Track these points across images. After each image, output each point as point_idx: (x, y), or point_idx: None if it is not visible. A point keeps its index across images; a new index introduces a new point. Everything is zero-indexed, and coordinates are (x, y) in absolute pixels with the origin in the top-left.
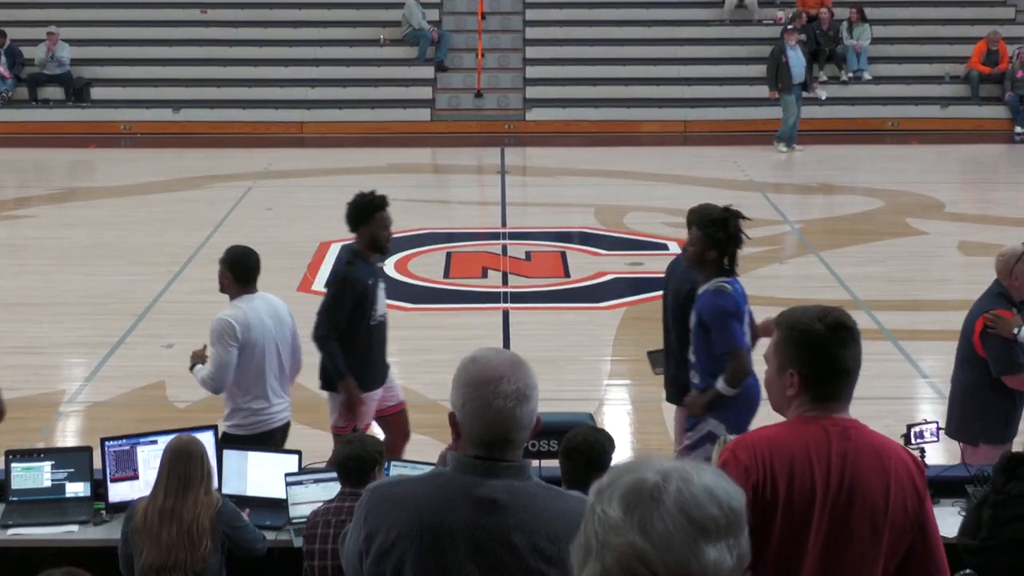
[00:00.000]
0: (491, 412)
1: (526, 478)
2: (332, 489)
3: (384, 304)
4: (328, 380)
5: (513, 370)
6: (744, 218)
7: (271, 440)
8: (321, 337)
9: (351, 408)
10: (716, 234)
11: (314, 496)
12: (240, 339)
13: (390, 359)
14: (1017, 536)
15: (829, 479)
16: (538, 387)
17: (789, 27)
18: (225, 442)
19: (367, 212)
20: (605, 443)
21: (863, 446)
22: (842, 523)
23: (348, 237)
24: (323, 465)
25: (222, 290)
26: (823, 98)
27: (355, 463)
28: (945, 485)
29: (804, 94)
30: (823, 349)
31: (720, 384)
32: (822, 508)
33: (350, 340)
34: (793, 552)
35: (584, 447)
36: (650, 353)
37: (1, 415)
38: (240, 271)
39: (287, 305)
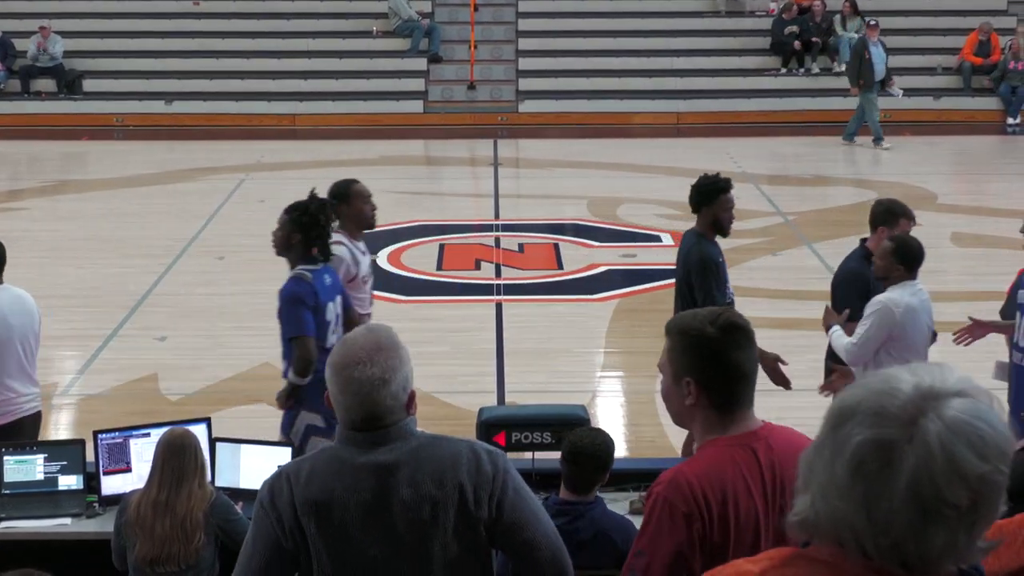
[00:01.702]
0: (350, 395)
1: (409, 436)
2: None
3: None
4: None
5: (373, 354)
6: (332, 205)
7: (19, 431)
8: None
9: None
10: (300, 218)
11: None
12: None
13: None
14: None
15: (767, 496)
16: (404, 368)
17: (872, 23)
18: None
19: (712, 194)
20: (610, 445)
21: (782, 449)
22: (784, 530)
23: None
24: None
25: None
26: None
27: None
28: None
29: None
30: (718, 353)
31: (290, 374)
32: (766, 524)
33: None
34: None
35: (591, 449)
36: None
37: None
38: None
39: (32, 298)
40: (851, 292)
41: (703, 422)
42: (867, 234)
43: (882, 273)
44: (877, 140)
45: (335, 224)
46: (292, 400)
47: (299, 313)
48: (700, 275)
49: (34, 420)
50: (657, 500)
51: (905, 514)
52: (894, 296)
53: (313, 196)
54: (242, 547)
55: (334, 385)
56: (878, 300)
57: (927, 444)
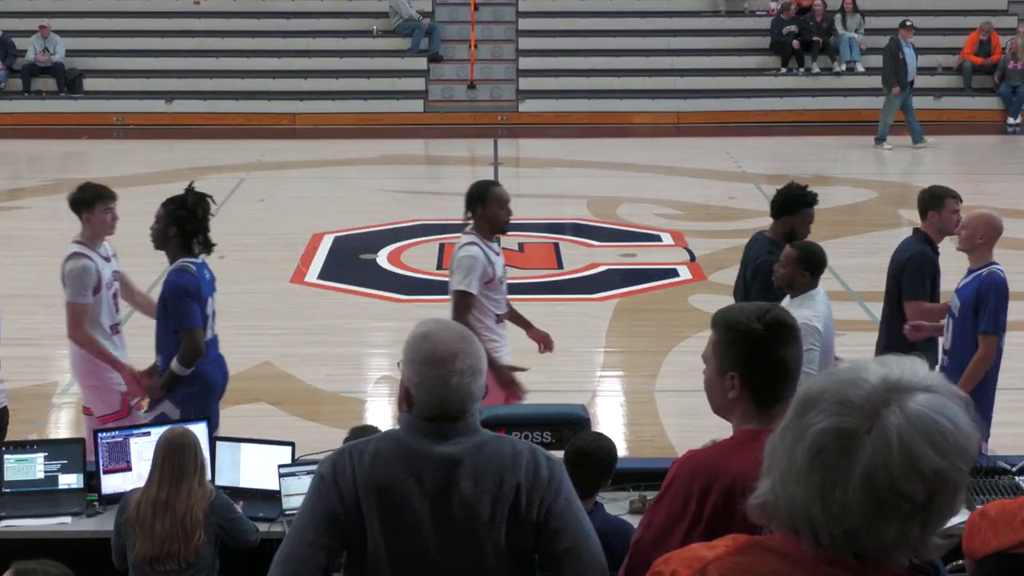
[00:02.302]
0: (448, 389)
1: (474, 432)
2: None
3: None
4: None
5: (465, 346)
6: (211, 200)
7: None
8: None
9: None
10: (176, 211)
11: (307, 488)
12: None
13: (379, 351)
14: None
15: None
16: (485, 360)
17: (907, 24)
18: None
19: (796, 205)
20: (614, 449)
21: None
22: None
23: (341, 229)
24: (317, 457)
25: None
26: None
27: None
28: None
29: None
30: (763, 350)
31: (175, 364)
32: None
33: None
34: None
35: (597, 453)
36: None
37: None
38: None
39: None
40: (923, 276)
41: (742, 414)
42: (871, 232)
43: (785, 282)
44: (880, 140)
45: (468, 225)
46: (167, 390)
47: (187, 305)
48: (762, 279)
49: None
50: (674, 475)
51: (859, 504)
52: (807, 313)
53: (190, 189)
54: (295, 518)
55: (428, 380)
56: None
57: (886, 435)
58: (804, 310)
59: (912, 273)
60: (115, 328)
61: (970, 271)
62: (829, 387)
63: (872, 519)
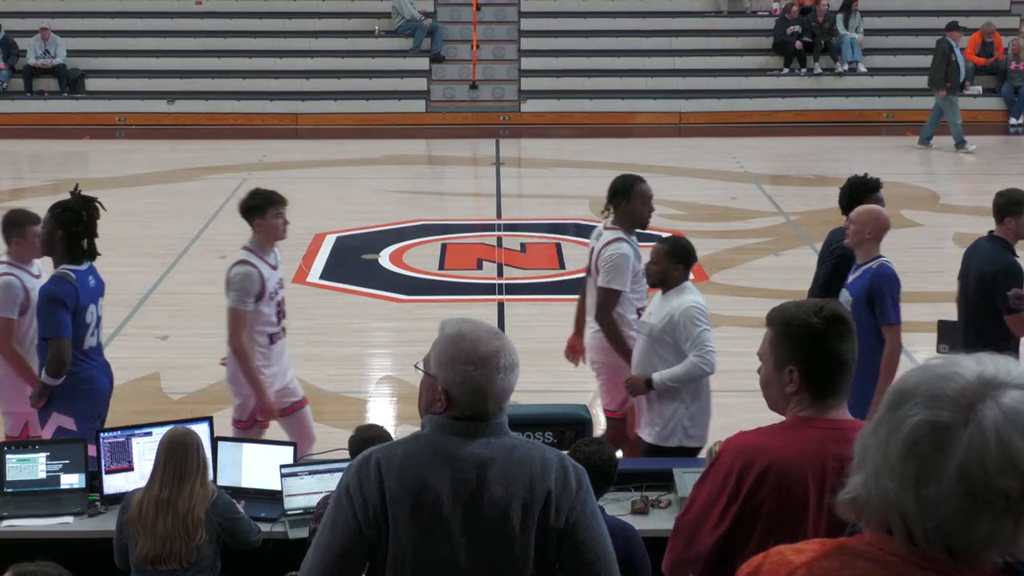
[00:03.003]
0: (494, 387)
1: (503, 434)
2: (327, 480)
3: None
4: None
5: (503, 343)
6: (99, 205)
7: None
8: None
9: None
10: (63, 215)
11: (309, 488)
12: None
13: (382, 351)
14: None
15: (823, 485)
16: None
17: (956, 25)
18: None
19: (863, 195)
20: (613, 457)
21: None
22: (840, 529)
23: (343, 229)
24: (318, 456)
25: None
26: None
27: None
28: None
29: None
30: (822, 343)
31: (43, 374)
32: (816, 515)
33: None
34: None
35: (593, 461)
36: (942, 323)
37: None
38: None
39: None
40: (1016, 283)
41: (796, 404)
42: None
43: (659, 277)
44: (960, 144)
45: (608, 219)
46: (43, 400)
47: (56, 314)
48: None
49: None
50: (719, 454)
51: (953, 498)
52: (689, 297)
53: (76, 192)
54: (318, 531)
55: (473, 380)
56: (683, 308)
57: (982, 430)
58: (685, 296)
59: (1007, 287)
60: (274, 337)
61: (858, 266)
62: (923, 381)
63: (966, 514)
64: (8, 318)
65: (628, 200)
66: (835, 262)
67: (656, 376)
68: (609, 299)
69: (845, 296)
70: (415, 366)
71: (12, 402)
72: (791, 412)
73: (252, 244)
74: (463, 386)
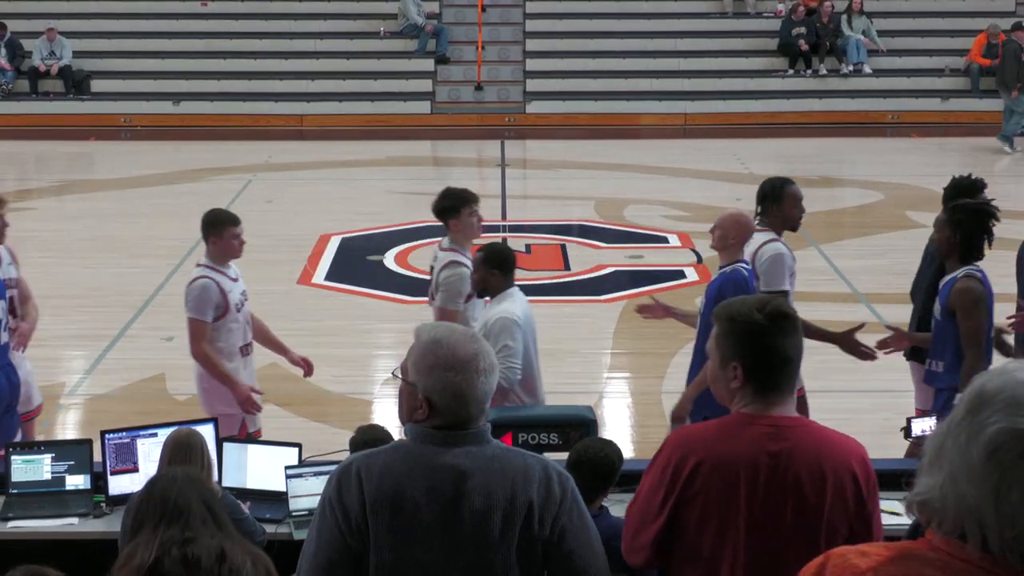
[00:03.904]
0: (476, 390)
1: (485, 442)
2: None
3: None
4: None
5: (480, 345)
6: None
7: None
8: None
9: None
10: None
11: (314, 489)
12: None
13: (387, 352)
14: None
15: (756, 481)
16: None
17: (1023, 26)
18: None
19: (967, 194)
20: (615, 457)
21: (800, 446)
22: (770, 525)
23: (348, 230)
24: (324, 458)
25: None
26: None
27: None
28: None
29: None
30: (764, 340)
31: None
32: (747, 509)
33: None
34: (719, 551)
35: (594, 460)
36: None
37: None
38: None
39: None
40: None
41: (739, 400)
42: (878, 234)
43: (480, 286)
44: (1009, 141)
45: (757, 222)
46: None
47: None
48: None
49: None
50: (662, 446)
51: None
52: (505, 306)
53: None
54: (304, 542)
55: (454, 385)
56: (497, 317)
57: None
58: (503, 304)
59: None
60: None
61: (720, 268)
62: (1004, 387)
63: None
64: (202, 320)
65: (779, 203)
66: (940, 262)
67: None
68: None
69: (699, 299)
70: (392, 374)
71: (218, 405)
72: (735, 408)
73: (451, 244)
74: (444, 392)
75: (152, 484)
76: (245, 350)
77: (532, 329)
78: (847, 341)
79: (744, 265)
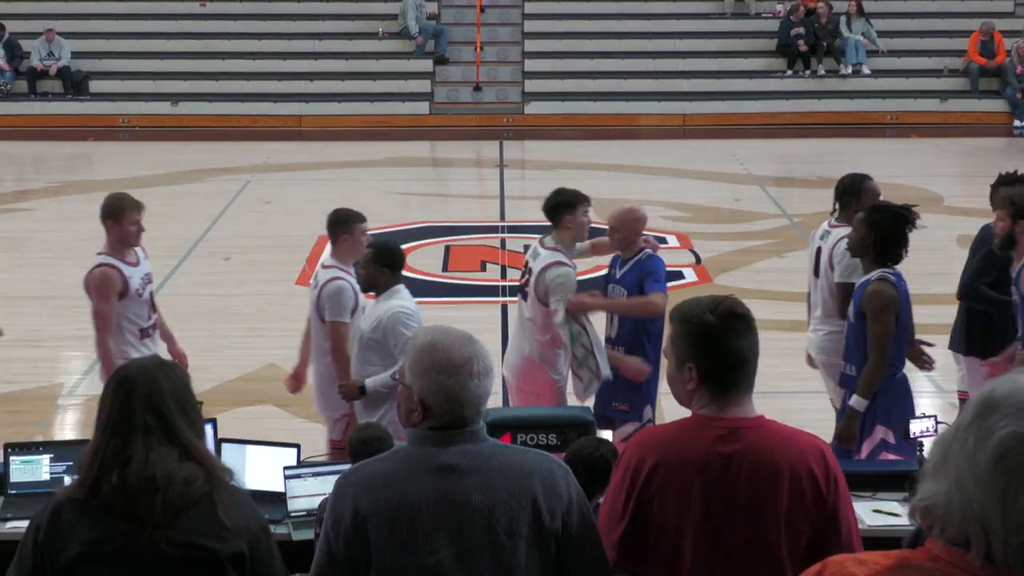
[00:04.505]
0: (469, 394)
1: (481, 441)
2: (330, 482)
3: None
4: None
5: (476, 348)
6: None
7: None
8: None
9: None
10: None
11: (313, 490)
12: None
13: None
14: None
15: (709, 483)
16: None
17: None
18: None
19: (1009, 185)
20: (609, 456)
21: (754, 447)
22: (725, 526)
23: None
24: (322, 458)
25: None
26: None
27: (367, 447)
28: None
29: None
30: (717, 341)
31: None
32: (701, 510)
33: None
34: (678, 552)
35: (588, 461)
36: None
37: None
38: None
39: None
40: None
41: (697, 401)
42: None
43: (368, 282)
44: None
45: (833, 217)
46: None
47: None
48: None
49: None
50: (624, 449)
51: None
52: (396, 303)
53: None
54: (316, 549)
55: (448, 388)
56: (391, 313)
57: None
58: (394, 300)
59: None
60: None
61: (625, 261)
62: (1014, 392)
63: None
64: (343, 323)
65: (858, 198)
66: (985, 254)
67: (368, 382)
68: (848, 293)
69: (619, 291)
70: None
71: (337, 407)
72: (694, 408)
73: (555, 243)
74: (439, 395)
75: (114, 378)
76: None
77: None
78: (912, 350)
79: (649, 250)
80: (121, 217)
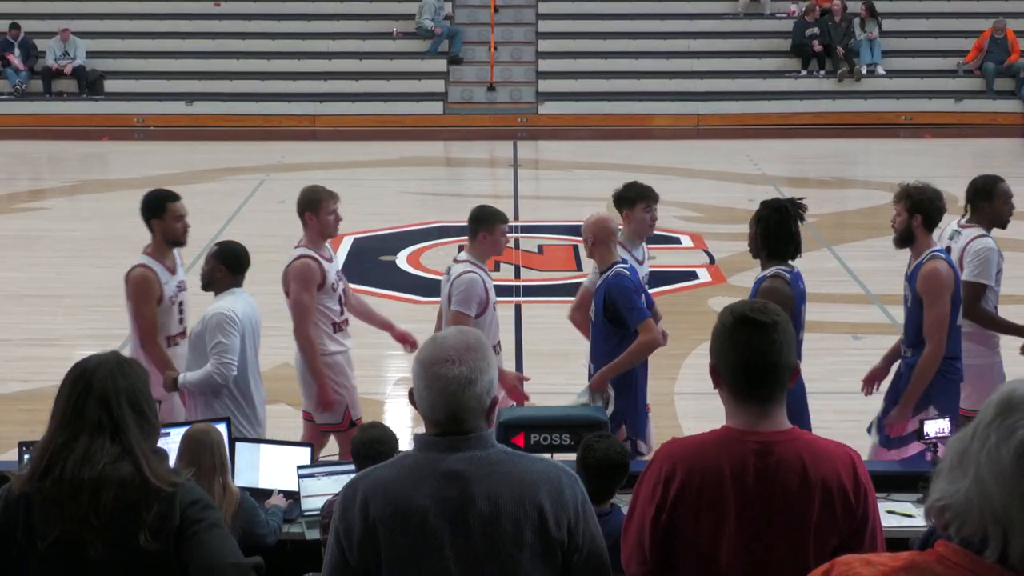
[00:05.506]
0: (436, 392)
1: (488, 447)
2: (343, 482)
3: None
4: None
5: (462, 353)
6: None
7: None
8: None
9: None
10: None
11: (326, 489)
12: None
13: (398, 352)
14: None
15: (742, 496)
16: (491, 371)
17: None
18: None
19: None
20: (623, 453)
21: (785, 462)
22: (758, 539)
23: (361, 230)
24: (335, 458)
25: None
26: None
27: (368, 448)
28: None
29: None
30: (729, 341)
31: None
32: (736, 525)
33: None
34: (706, 563)
35: (602, 458)
36: None
37: None
38: None
39: None
40: None
41: (725, 408)
42: (891, 235)
43: (207, 279)
44: None
45: (964, 218)
46: None
47: None
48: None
49: None
50: (652, 459)
51: None
52: (224, 304)
53: None
54: (325, 556)
55: (420, 380)
56: (214, 312)
57: None
58: (223, 301)
59: None
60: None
61: (600, 272)
62: None
63: None
64: (465, 314)
65: (991, 200)
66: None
67: (181, 378)
68: (977, 292)
69: (597, 303)
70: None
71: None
72: (726, 416)
73: (622, 238)
74: (433, 408)
75: (73, 371)
76: (496, 348)
77: (253, 330)
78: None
79: (621, 265)
80: (319, 208)
